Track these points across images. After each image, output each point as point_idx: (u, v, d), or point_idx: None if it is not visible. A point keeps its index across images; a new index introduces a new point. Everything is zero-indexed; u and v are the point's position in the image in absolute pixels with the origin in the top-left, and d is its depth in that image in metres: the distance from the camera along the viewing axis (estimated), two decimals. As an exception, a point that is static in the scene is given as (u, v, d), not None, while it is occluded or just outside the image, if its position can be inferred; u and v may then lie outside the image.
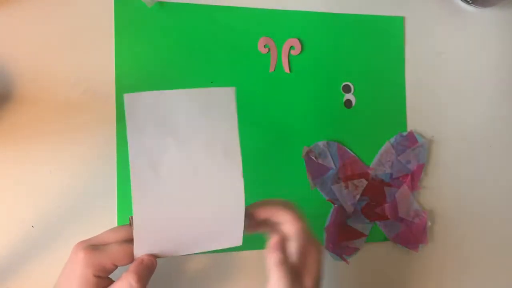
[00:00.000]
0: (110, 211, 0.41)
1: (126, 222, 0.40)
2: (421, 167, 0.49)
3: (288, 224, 0.34)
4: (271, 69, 0.46)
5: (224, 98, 0.31)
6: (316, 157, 0.46)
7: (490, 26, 0.53)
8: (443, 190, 0.50)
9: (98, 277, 0.31)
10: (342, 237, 0.46)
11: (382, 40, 0.50)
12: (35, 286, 0.39)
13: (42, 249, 0.39)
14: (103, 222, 0.40)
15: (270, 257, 0.33)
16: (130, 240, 0.32)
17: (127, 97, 0.28)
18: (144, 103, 0.29)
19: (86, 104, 0.42)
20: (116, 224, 0.41)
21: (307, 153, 0.46)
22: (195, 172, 0.31)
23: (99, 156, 0.41)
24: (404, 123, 0.50)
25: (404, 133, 0.49)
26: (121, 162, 0.41)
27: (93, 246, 0.31)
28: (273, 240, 0.34)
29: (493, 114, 0.53)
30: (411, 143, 0.49)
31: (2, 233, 0.39)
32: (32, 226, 0.39)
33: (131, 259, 0.31)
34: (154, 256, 0.32)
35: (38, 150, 0.40)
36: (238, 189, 0.32)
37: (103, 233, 0.33)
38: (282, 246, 0.34)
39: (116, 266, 0.31)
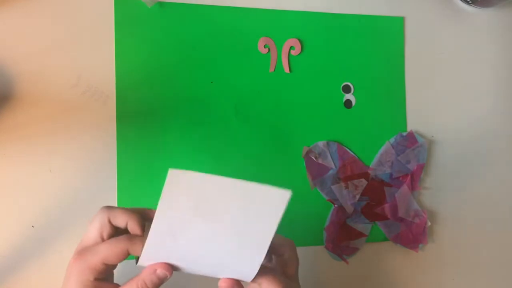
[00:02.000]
0: (110, 211, 0.41)
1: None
2: (421, 167, 0.49)
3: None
4: (271, 69, 0.46)
5: (274, 199, 0.28)
6: (316, 157, 0.46)
7: (490, 26, 0.53)
8: (443, 190, 0.50)
9: (97, 280, 0.30)
10: (342, 237, 0.46)
11: (382, 40, 0.50)
12: (35, 286, 0.39)
13: (42, 249, 0.39)
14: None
15: None
16: (117, 236, 0.31)
17: (171, 173, 0.27)
18: (186, 183, 0.27)
19: (86, 104, 0.42)
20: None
21: (307, 153, 0.46)
22: (215, 247, 0.29)
23: (99, 156, 0.41)
24: (404, 123, 0.50)
25: (404, 133, 0.49)
26: (121, 162, 0.41)
27: (81, 250, 0.30)
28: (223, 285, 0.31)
29: (493, 114, 0.53)
30: (411, 143, 0.49)
31: (2, 233, 0.39)
32: (32, 226, 0.39)
33: (122, 257, 0.30)
34: (169, 267, 0.31)
35: (38, 149, 0.40)
36: (251, 274, 0.30)
37: (88, 231, 0.32)
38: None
39: (108, 266, 0.30)
